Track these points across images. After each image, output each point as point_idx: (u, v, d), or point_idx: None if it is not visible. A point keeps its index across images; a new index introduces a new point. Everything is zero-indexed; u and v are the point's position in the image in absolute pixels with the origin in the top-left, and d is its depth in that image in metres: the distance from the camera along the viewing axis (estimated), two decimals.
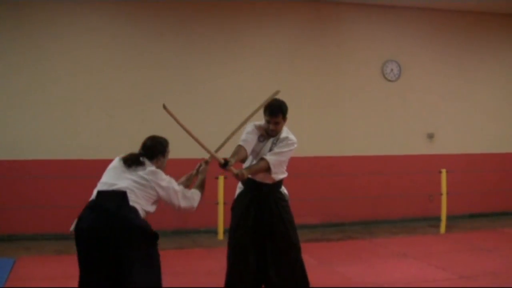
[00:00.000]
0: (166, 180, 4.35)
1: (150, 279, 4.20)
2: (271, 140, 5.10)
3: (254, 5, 9.73)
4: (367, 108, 10.32)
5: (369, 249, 8.08)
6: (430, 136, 10.63)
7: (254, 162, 5.00)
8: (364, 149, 10.26)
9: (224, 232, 8.78)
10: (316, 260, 7.26)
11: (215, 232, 8.86)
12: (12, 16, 8.74)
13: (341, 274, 6.53)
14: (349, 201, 10.00)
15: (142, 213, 4.22)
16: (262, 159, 4.92)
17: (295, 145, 5.15)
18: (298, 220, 9.61)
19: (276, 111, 5.03)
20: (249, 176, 4.87)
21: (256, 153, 5.06)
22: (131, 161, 4.34)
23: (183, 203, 4.43)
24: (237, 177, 4.73)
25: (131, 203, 4.14)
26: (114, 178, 4.25)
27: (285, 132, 5.19)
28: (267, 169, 4.90)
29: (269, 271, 4.92)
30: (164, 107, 4.49)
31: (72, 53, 8.98)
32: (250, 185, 5.06)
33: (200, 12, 9.50)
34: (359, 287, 6.04)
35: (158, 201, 4.37)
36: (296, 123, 9.85)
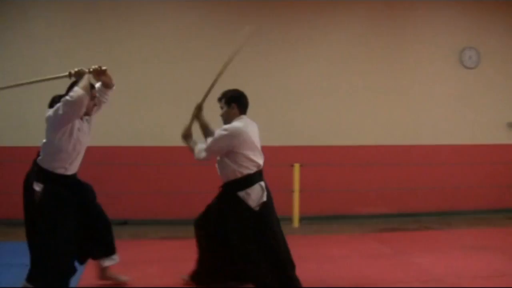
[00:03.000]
0: None
1: None
2: None
3: None
4: (444, 96, 10.16)
5: (446, 240, 7.97)
6: (510, 125, 10.34)
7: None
8: (441, 137, 10.11)
9: (300, 220, 8.89)
10: (392, 250, 7.25)
11: (290, 220, 8.96)
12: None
13: (417, 264, 6.47)
14: (426, 191, 9.88)
15: None
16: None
17: (227, 133, 5.01)
18: (374, 209, 9.72)
19: (219, 97, 5.25)
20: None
21: None
22: None
23: None
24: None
25: None
26: None
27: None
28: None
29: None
30: None
31: (143, 42, 9.27)
32: None
33: (270, 8, 9.57)
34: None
35: None
36: (371, 111, 9.89)
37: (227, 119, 5.15)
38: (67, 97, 4.49)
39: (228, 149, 4.98)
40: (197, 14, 9.46)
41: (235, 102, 5.14)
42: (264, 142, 9.03)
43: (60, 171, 4.72)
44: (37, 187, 4.65)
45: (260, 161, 5.17)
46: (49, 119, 4.63)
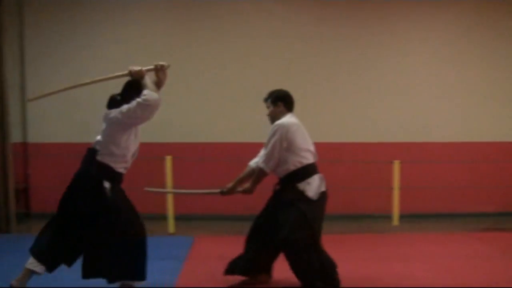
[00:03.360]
0: None
1: None
2: None
3: None
4: None
5: None
6: None
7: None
8: None
9: (400, 218, 8.80)
10: (495, 251, 7.04)
11: (389, 218, 8.91)
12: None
13: None
14: None
15: None
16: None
17: (277, 127, 5.13)
18: (478, 207, 9.43)
19: (265, 97, 5.37)
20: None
21: None
22: None
23: None
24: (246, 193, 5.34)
25: None
26: None
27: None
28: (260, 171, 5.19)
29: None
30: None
31: (234, 42, 9.45)
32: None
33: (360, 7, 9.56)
34: None
35: None
36: (466, 107, 9.63)
37: (274, 118, 5.26)
38: (142, 101, 4.52)
39: (285, 144, 5.07)
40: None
41: (281, 101, 5.27)
42: (364, 138, 9.20)
43: (121, 170, 4.77)
44: (106, 184, 4.66)
45: (314, 151, 5.28)
46: (114, 120, 4.62)
